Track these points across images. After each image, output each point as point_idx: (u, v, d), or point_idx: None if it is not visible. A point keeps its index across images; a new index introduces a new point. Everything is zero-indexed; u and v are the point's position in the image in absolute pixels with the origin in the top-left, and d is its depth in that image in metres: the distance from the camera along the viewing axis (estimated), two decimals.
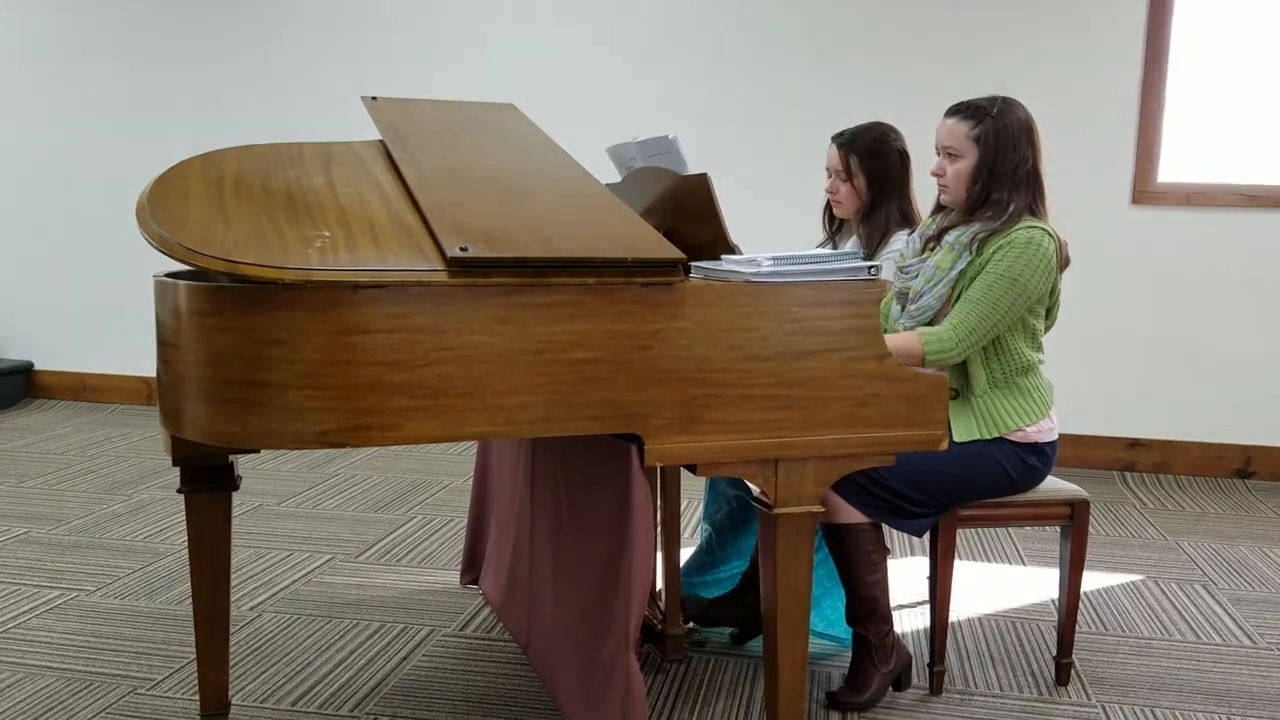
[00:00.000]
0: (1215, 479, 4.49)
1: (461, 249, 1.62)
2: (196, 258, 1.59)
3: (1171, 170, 4.46)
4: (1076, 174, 4.36)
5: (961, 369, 2.32)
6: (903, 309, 2.42)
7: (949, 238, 2.34)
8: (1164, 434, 4.55)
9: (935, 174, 2.38)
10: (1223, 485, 4.42)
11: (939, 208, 2.44)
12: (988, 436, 2.31)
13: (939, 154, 2.37)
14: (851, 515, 2.23)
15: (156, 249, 1.63)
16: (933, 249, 2.38)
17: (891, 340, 2.18)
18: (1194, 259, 4.44)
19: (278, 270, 1.56)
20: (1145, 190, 4.45)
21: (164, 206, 1.74)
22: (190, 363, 1.67)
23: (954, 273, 2.30)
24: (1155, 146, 4.43)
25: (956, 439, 2.29)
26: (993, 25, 4.50)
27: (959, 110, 2.34)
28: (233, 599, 2.87)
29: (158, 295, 1.79)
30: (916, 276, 2.38)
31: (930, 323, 2.34)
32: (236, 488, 2.17)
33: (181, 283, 1.68)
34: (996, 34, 4.50)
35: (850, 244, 2.71)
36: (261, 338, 1.59)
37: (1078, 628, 2.61)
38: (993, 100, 2.32)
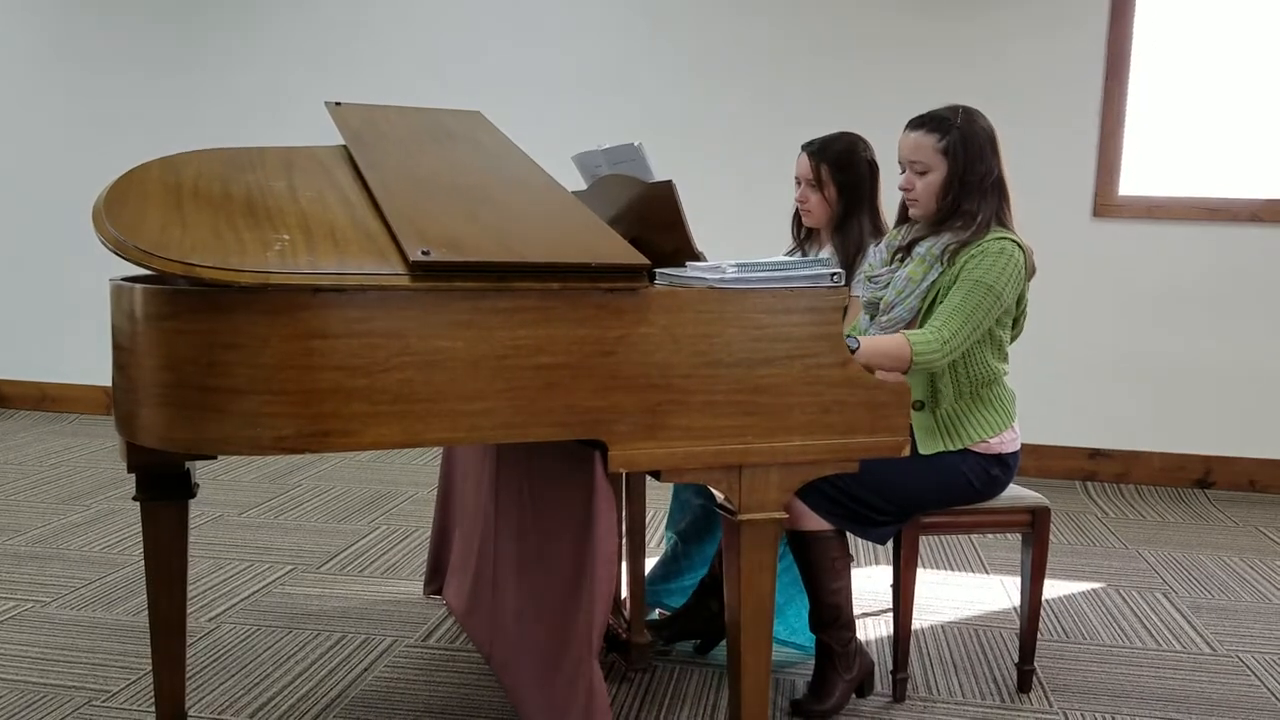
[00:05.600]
0: (1176, 489, 4.53)
1: (424, 253, 1.61)
2: (152, 260, 1.56)
3: (1132, 183, 4.52)
4: (1038, 187, 4.41)
5: (929, 380, 2.31)
6: (871, 319, 2.42)
7: (920, 249, 2.32)
8: (1125, 444, 4.60)
9: (904, 189, 2.35)
10: (1183, 495, 4.47)
11: (904, 218, 2.44)
12: (953, 449, 2.31)
13: (904, 168, 2.34)
14: (815, 522, 2.23)
15: (113, 252, 1.61)
16: (902, 260, 2.37)
17: (878, 342, 2.15)
18: (1155, 271, 4.50)
19: (235, 273, 1.54)
20: (1107, 203, 4.50)
21: (121, 209, 1.72)
22: (146, 367, 1.64)
23: (926, 284, 2.28)
24: (1116, 160, 4.49)
25: (922, 453, 2.29)
26: (954, 38, 4.54)
27: (922, 123, 2.30)
28: (191, 610, 2.82)
29: (114, 299, 1.77)
30: (887, 287, 2.36)
31: None
32: (193, 495, 2.13)
33: (137, 286, 1.66)
34: (958, 47, 4.54)
35: (825, 253, 2.71)
36: (218, 342, 1.57)
37: (1039, 635, 2.63)
38: (954, 110, 2.30)
